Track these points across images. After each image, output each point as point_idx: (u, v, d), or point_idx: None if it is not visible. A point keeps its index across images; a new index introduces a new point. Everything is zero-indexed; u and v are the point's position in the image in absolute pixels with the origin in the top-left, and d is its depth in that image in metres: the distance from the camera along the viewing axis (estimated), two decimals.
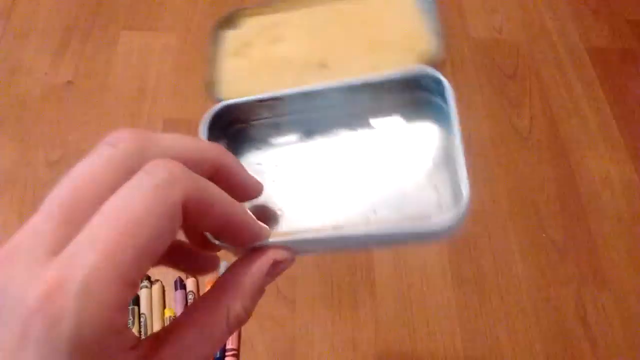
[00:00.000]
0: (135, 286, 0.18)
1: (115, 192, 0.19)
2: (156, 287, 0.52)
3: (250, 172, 0.24)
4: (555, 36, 0.76)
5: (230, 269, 0.23)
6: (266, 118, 0.29)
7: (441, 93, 0.27)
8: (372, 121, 0.28)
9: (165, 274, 0.54)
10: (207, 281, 0.52)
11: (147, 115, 0.65)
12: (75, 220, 0.19)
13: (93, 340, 0.17)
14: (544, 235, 0.58)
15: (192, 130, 0.61)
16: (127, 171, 0.20)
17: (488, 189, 0.61)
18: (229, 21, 0.32)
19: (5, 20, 0.74)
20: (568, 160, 0.64)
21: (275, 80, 0.28)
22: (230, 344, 0.49)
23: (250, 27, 0.31)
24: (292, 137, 0.29)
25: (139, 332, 0.49)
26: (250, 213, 0.23)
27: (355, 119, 0.28)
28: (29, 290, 0.17)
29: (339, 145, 0.28)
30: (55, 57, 0.70)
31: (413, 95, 0.28)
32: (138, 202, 0.18)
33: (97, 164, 0.20)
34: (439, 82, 0.27)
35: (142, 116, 0.65)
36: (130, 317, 0.49)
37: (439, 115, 0.27)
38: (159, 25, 0.73)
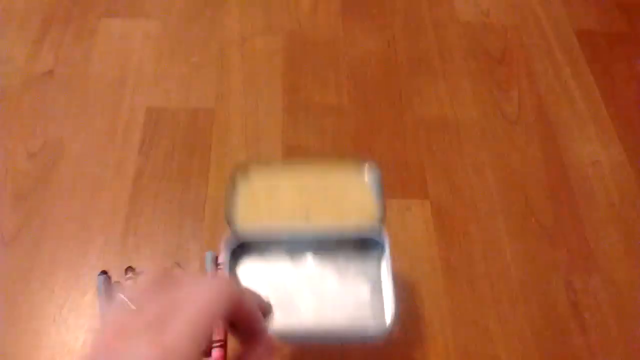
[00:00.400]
0: None
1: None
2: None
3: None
4: (544, 19, 0.75)
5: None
6: (266, 245, 0.43)
7: (382, 242, 0.41)
8: (336, 256, 0.42)
9: (138, 263, 0.53)
10: None
11: (129, 104, 0.64)
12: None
13: None
14: (533, 220, 0.58)
15: (174, 119, 0.60)
16: None
17: (476, 174, 0.60)
18: (241, 171, 0.45)
19: None
20: (557, 144, 0.64)
21: (273, 223, 0.43)
22: (217, 335, 0.48)
23: (256, 181, 0.45)
24: (279, 258, 0.42)
25: None
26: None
27: (324, 253, 0.42)
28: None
29: (310, 268, 0.42)
30: (35, 47, 0.69)
31: (365, 243, 0.42)
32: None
33: None
34: (381, 237, 0.41)
35: (123, 105, 0.63)
36: None
37: (381, 254, 0.42)
38: (139, 12, 0.72)
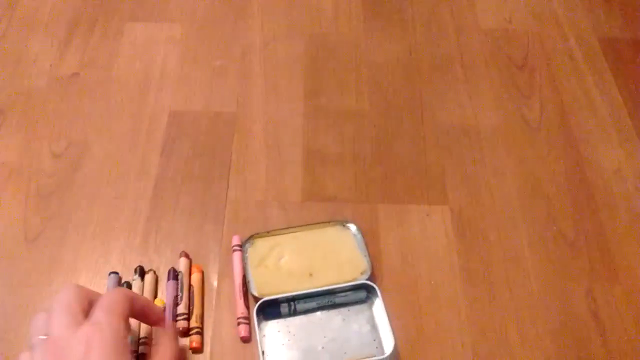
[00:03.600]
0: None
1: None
2: (149, 277, 0.52)
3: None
4: (566, 26, 0.75)
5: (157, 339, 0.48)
6: (282, 302, 0.50)
7: (374, 290, 0.51)
8: (337, 303, 0.51)
9: (158, 263, 0.54)
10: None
11: (152, 107, 0.64)
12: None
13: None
14: (554, 228, 0.57)
15: (196, 122, 0.61)
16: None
17: (497, 181, 0.60)
18: (249, 240, 0.54)
19: (11, 12, 0.74)
20: (579, 151, 0.63)
21: (284, 284, 0.51)
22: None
23: (262, 246, 0.54)
24: (289, 312, 0.50)
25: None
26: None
27: (327, 302, 0.51)
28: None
29: (316, 319, 0.51)
30: (61, 49, 0.70)
31: (359, 290, 0.51)
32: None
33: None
34: (372, 287, 0.51)
35: (147, 108, 0.64)
36: None
37: (375, 299, 0.51)
38: (163, 17, 0.73)
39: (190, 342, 0.49)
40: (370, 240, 0.55)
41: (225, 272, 0.53)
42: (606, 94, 0.68)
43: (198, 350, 0.49)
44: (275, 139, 0.63)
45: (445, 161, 0.61)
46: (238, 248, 0.53)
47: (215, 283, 0.53)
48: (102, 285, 0.52)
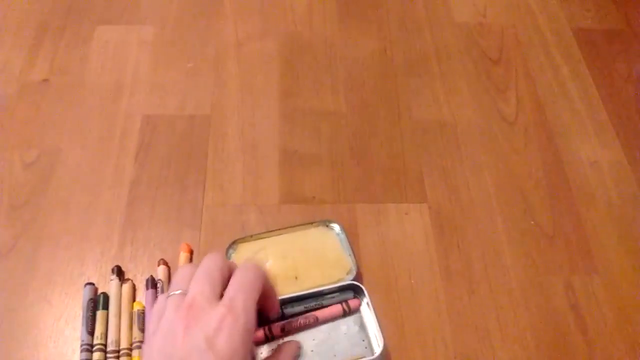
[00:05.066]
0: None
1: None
2: (126, 286, 0.51)
3: None
4: (541, 18, 0.75)
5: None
6: None
7: (361, 290, 0.51)
8: (325, 305, 0.50)
9: (135, 272, 0.53)
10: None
11: (125, 112, 0.63)
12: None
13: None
14: (532, 222, 0.57)
15: (170, 126, 0.60)
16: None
17: (475, 176, 0.60)
18: (232, 246, 0.53)
19: None
20: (555, 144, 0.63)
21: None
22: None
23: (246, 251, 0.53)
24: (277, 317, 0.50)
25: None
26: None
27: (315, 304, 0.50)
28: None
29: (313, 324, 0.50)
30: (30, 55, 0.68)
31: (346, 291, 0.51)
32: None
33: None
34: (359, 287, 0.51)
35: (119, 113, 0.63)
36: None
37: (362, 299, 0.51)
38: (134, 19, 0.72)
39: None
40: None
41: None
42: (581, 85, 0.69)
43: None
44: (251, 140, 0.62)
45: (422, 159, 0.61)
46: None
47: None
48: (78, 297, 0.51)
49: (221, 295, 0.39)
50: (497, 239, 0.56)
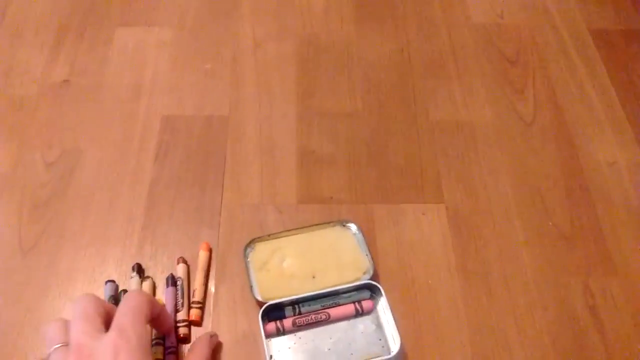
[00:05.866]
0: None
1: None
2: (147, 284, 0.52)
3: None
4: (558, 19, 0.75)
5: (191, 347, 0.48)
6: (286, 306, 0.51)
7: (378, 290, 0.51)
8: (342, 303, 0.51)
9: (155, 270, 0.54)
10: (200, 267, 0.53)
11: (145, 113, 0.64)
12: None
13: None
14: (550, 223, 0.57)
15: (189, 127, 0.61)
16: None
17: (492, 177, 0.60)
18: (250, 245, 0.54)
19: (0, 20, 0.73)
20: (573, 145, 0.63)
21: (287, 287, 0.51)
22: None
23: (264, 250, 0.54)
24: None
25: None
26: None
27: (332, 303, 0.51)
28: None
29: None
30: (51, 56, 0.69)
31: (362, 290, 0.52)
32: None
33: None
34: (376, 286, 0.51)
35: (139, 114, 0.64)
36: None
37: (379, 298, 0.51)
38: (153, 21, 0.72)
39: (189, 316, 0.50)
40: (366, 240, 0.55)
41: (221, 278, 0.53)
42: (599, 86, 0.68)
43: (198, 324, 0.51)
44: (269, 141, 0.62)
45: (439, 159, 0.61)
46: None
47: (212, 289, 0.53)
48: (99, 294, 0.52)
49: (104, 328, 0.39)
50: (515, 240, 0.56)
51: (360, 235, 0.55)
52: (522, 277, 0.54)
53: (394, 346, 0.48)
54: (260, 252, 0.54)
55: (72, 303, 0.41)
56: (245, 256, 0.53)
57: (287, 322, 0.49)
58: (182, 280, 0.51)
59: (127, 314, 0.40)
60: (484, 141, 0.63)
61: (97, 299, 0.42)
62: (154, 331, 0.49)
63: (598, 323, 0.51)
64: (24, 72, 0.68)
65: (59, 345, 0.39)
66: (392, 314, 0.49)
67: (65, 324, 0.40)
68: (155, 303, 0.44)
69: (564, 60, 0.71)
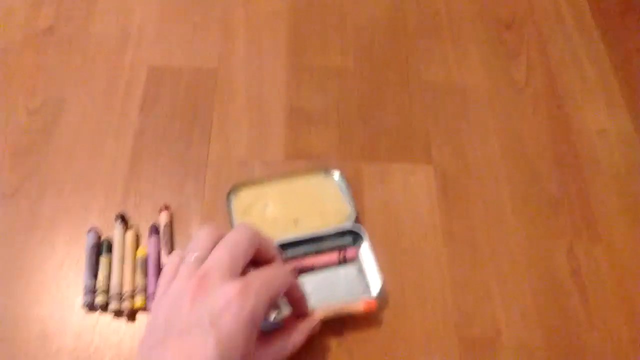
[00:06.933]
0: None
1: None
2: (130, 233, 0.51)
3: None
4: None
5: (292, 324, 0.44)
6: None
7: (361, 234, 0.51)
8: (324, 249, 0.51)
9: (139, 220, 0.53)
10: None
11: (131, 63, 0.63)
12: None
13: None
14: (537, 187, 0.57)
15: (176, 79, 0.59)
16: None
17: (482, 140, 0.60)
18: (233, 191, 0.54)
19: None
20: (564, 112, 0.63)
21: (270, 232, 0.46)
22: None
23: (247, 196, 0.54)
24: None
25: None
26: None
27: (314, 249, 0.51)
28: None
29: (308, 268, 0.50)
30: (35, 2, 0.67)
31: (345, 235, 0.52)
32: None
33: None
34: (358, 233, 0.51)
35: (125, 64, 0.62)
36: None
37: (361, 243, 0.51)
38: None
39: None
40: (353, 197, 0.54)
41: None
42: (593, 54, 0.68)
43: None
44: (258, 95, 0.61)
45: (430, 121, 0.61)
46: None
47: None
48: (81, 243, 0.51)
49: (239, 273, 0.38)
50: (502, 203, 0.56)
51: (343, 183, 0.54)
52: (507, 239, 0.54)
53: (375, 288, 0.48)
54: (243, 198, 0.53)
55: (235, 228, 0.40)
56: (229, 201, 0.53)
57: None
58: (165, 227, 0.51)
59: (263, 279, 0.38)
60: (475, 104, 0.62)
61: (254, 237, 0.40)
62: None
63: (580, 287, 0.52)
64: (7, 18, 0.66)
65: (196, 255, 0.38)
66: (375, 258, 0.50)
67: (217, 240, 0.39)
68: (298, 288, 0.43)
69: (560, 27, 0.70)
